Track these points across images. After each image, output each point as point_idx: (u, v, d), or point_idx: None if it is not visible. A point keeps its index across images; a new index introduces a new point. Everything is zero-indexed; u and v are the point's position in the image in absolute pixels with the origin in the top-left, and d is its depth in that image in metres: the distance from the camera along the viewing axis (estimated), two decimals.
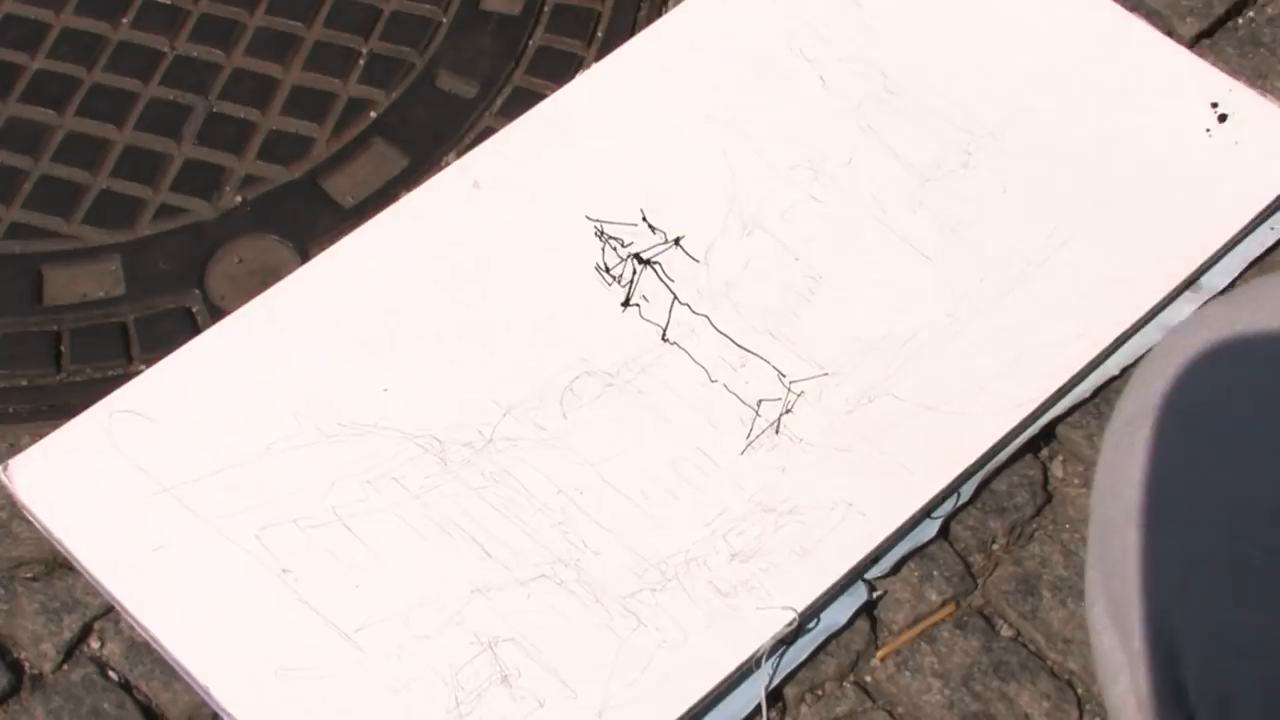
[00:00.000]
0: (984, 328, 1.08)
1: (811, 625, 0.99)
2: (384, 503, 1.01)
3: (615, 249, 1.11)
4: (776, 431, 1.04)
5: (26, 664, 0.99)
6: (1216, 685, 0.65)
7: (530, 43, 1.26)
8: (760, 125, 1.17)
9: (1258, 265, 1.12)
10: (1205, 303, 0.75)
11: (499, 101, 1.23)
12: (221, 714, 0.95)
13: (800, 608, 0.98)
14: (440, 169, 1.16)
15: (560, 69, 1.24)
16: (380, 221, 1.13)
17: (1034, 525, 1.04)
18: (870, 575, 1.01)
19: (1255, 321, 0.69)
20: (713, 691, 0.96)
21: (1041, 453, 1.07)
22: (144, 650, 0.99)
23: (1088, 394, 1.08)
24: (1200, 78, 1.19)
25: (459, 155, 1.17)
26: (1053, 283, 1.10)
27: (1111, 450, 0.74)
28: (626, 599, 0.98)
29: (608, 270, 1.10)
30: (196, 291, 1.14)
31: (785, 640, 0.98)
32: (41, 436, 1.04)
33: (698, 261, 1.11)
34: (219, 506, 1.01)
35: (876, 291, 1.09)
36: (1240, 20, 1.26)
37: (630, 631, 0.97)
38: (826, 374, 1.06)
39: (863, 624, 1.00)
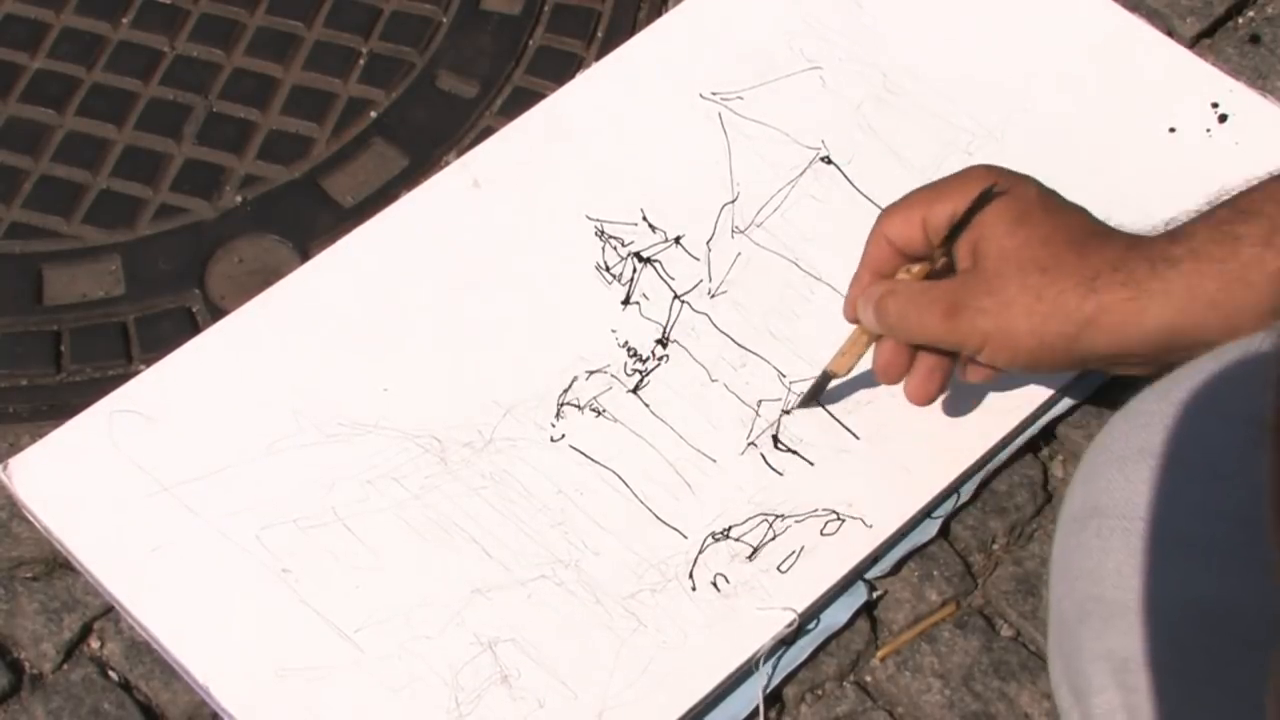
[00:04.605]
0: None
1: (811, 626, 0.99)
2: (384, 503, 1.01)
3: (615, 248, 1.11)
4: (776, 431, 1.04)
5: (26, 664, 0.99)
6: None
7: (530, 43, 1.26)
8: (760, 125, 1.17)
9: None
10: (1138, 397, 0.80)
11: (499, 101, 1.23)
12: (221, 714, 0.95)
13: (800, 608, 0.98)
14: (440, 169, 1.16)
15: (560, 69, 1.24)
16: (380, 221, 1.13)
17: (1034, 525, 1.04)
18: (870, 575, 1.01)
19: (1186, 425, 0.72)
20: (713, 692, 0.96)
21: (1041, 453, 1.07)
22: (144, 650, 0.99)
23: (1088, 394, 1.08)
24: (1200, 78, 1.19)
25: (459, 155, 1.17)
26: None
27: (1060, 545, 0.78)
28: (626, 599, 0.98)
29: (608, 269, 1.10)
30: (196, 291, 1.14)
31: (785, 641, 0.98)
32: (41, 436, 1.04)
33: (698, 260, 1.11)
34: (219, 506, 1.00)
35: None
36: (1240, 20, 1.26)
37: (630, 632, 0.97)
38: None
39: (863, 624, 1.00)
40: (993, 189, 0.92)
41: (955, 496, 1.03)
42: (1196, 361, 0.77)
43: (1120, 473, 0.73)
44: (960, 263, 0.96)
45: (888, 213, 0.98)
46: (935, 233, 0.96)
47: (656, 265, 1.10)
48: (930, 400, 0.99)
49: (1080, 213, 0.95)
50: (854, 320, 1.00)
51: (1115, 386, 1.09)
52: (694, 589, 0.98)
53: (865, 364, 1.06)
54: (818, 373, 1.03)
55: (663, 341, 1.08)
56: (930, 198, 0.96)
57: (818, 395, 1.04)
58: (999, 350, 0.93)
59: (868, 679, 0.99)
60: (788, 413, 1.05)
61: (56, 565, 1.02)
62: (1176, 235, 0.91)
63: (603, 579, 0.99)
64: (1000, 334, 0.92)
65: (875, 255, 0.98)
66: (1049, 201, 0.95)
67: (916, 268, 0.97)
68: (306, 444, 1.03)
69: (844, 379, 1.03)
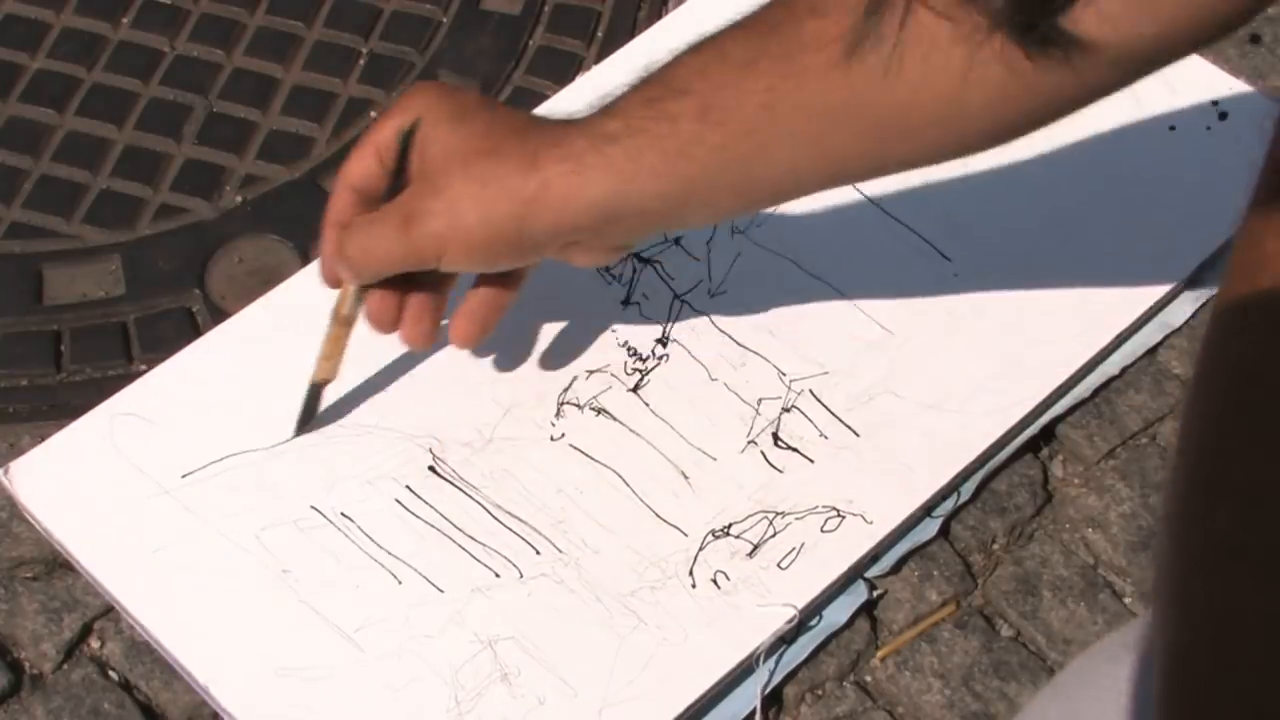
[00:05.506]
0: (984, 326, 1.08)
1: (812, 623, 0.99)
2: (384, 503, 1.01)
3: None
4: (776, 430, 1.04)
5: (26, 664, 0.99)
6: None
7: (530, 43, 1.26)
8: None
9: None
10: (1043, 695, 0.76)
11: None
12: (221, 714, 0.95)
13: (800, 604, 0.98)
14: None
15: (560, 69, 1.24)
16: None
17: (1034, 525, 1.04)
18: (870, 574, 1.01)
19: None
20: (713, 689, 0.96)
21: (1041, 453, 1.07)
22: (144, 650, 0.99)
23: (1088, 394, 1.08)
24: (1200, 77, 1.19)
25: None
26: (1053, 282, 1.10)
27: None
28: (627, 597, 0.98)
29: (608, 269, 1.10)
30: (196, 291, 1.14)
31: (786, 639, 0.98)
32: (42, 436, 1.04)
33: (698, 260, 1.11)
34: (219, 507, 1.00)
35: (877, 290, 1.10)
36: None
37: (630, 630, 0.97)
38: (826, 373, 1.06)
39: (863, 624, 1.00)
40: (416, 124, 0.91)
41: (955, 496, 1.03)
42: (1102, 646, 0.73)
43: None
44: (413, 177, 0.93)
45: (346, 160, 0.95)
46: (389, 154, 0.93)
47: (656, 265, 1.10)
48: (428, 342, 0.97)
49: (521, 111, 0.95)
50: (335, 283, 0.97)
51: (1115, 387, 1.09)
52: (694, 586, 0.98)
53: (853, 355, 1.06)
54: (817, 371, 1.03)
55: (663, 341, 1.08)
56: (375, 126, 0.94)
57: (313, 411, 1.02)
58: (456, 251, 0.90)
59: (868, 679, 0.99)
60: (787, 410, 1.05)
61: (56, 565, 1.02)
62: (611, 111, 0.89)
63: (603, 577, 0.99)
64: (453, 232, 0.89)
65: (337, 207, 0.95)
66: (489, 100, 0.95)
67: None
68: (306, 444, 1.03)
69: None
